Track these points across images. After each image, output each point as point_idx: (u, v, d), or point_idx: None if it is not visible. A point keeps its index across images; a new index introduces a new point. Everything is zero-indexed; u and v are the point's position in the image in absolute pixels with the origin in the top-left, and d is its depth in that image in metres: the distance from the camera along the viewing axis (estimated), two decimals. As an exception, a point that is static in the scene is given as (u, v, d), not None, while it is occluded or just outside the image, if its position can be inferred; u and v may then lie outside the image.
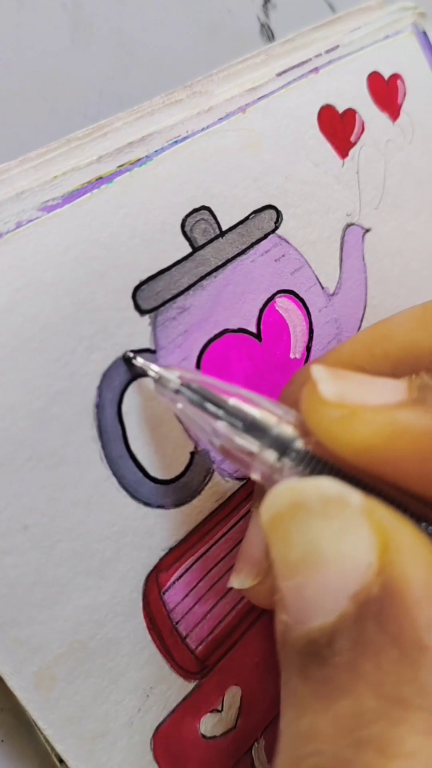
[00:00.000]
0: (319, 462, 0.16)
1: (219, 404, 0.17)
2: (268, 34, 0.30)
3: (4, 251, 0.17)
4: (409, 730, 0.12)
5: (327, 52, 0.23)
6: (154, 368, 0.18)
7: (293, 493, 0.15)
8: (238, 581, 0.19)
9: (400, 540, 0.14)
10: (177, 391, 0.18)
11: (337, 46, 0.23)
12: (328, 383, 0.16)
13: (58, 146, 0.18)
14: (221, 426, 0.17)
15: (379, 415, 0.15)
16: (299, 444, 0.16)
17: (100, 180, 0.18)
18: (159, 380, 0.18)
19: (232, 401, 0.17)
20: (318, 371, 0.16)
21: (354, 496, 0.15)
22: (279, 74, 0.22)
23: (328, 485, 0.15)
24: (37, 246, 0.17)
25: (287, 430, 0.17)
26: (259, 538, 0.19)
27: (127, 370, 0.18)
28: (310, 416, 0.16)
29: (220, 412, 0.17)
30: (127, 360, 0.19)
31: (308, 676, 0.14)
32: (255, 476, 0.17)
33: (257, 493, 0.20)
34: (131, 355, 0.18)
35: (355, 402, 0.16)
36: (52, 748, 0.19)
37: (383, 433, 0.15)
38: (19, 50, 0.26)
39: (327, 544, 0.14)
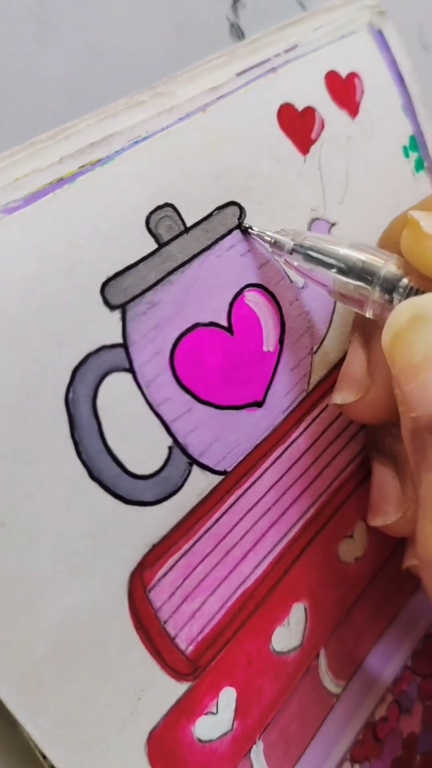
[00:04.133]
0: (423, 293, 0.19)
1: (331, 255, 0.20)
2: (238, 33, 0.30)
3: (-32, 253, 0.17)
4: None
5: (285, 51, 0.23)
6: (268, 234, 0.21)
7: (412, 308, 0.18)
8: (340, 398, 0.22)
9: None
10: (292, 252, 0.21)
11: (296, 46, 0.24)
12: (428, 220, 0.19)
13: (22, 149, 0.19)
14: (335, 274, 0.20)
15: None
16: (405, 281, 0.19)
17: (62, 181, 0.18)
18: (275, 244, 0.21)
19: (343, 251, 0.20)
20: (416, 213, 0.19)
21: None
22: (239, 74, 0.22)
23: None
24: (0, 246, 0.17)
25: (393, 269, 0.19)
26: (360, 360, 0.22)
27: (100, 364, 0.19)
28: (412, 250, 0.19)
29: (333, 261, 0.20)
30: (243, 230, 0.21)
31: None
32: (368, 314, 0.20)
33: (357, 324, 0.23)
34: (247, 225, 0.21)
35: None
36: (36, 745, 0.18)
37: None
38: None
39: None
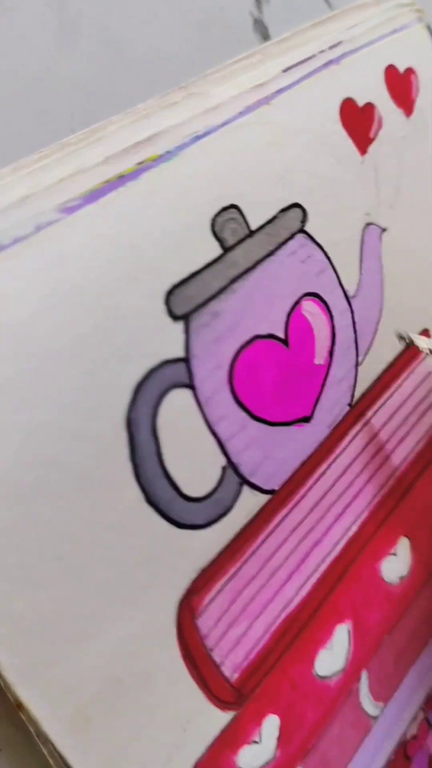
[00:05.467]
0: None
1: None
2: (261, 29, 0.29)
3: (26, 256, 0.16)
4: None
5: (330, 48, 0.22)
6: (422, 344, 0.23)
7: None
8: None
9: None
10: None
11: (340, 42, 0.22)
12: None
13: (52, 152, 0.17)
14: None
15: None
16: None
17: (123, 178, 0.17)
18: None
19: None
20: None
21: None
22: (285, 70, 0.21)
23: None
24: (60, 250, 0.16)
25: None
26: None
27: (162, 381, 0.17)
28: None
29: None
30: (400, 337, 0.23)
31: None
32: None
33: None
34: (405, 334, 0.23)
35: None
36: (56, 757, 0.17)
37: None
38: (4, 51, 0.25)
39: None
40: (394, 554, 0.24)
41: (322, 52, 0.22)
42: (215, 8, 0.29)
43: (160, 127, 0.19)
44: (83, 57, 0.26)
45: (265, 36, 0.29)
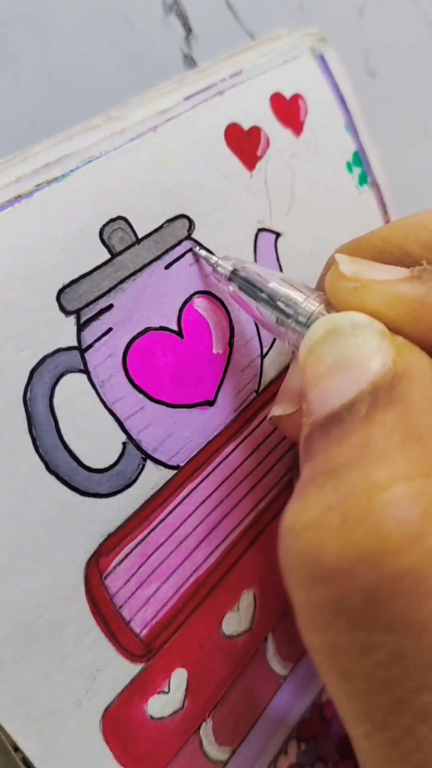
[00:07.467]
0: None
1: (261, 287, 0.22)
2: (190, 64, 0.32)
3: None
4: (401, 455, 0.16)
5: (231, 77, 0.25)
6: (213, 258, 0.23)
7: (327, 323, 0.19)
8: (280, 409, 0.23)
9: (410, 349, 0.18)
10: (229, 278, 0.22)
11: (241, 71, 0.25)
12: (347, 264, 0.20)
13: (-16, 171, 0.20)
14: (262, 305, 0.22)
15: (382, 286, 0.19)
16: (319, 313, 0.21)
17: (20, 197, 0.20)
18: (216, 268, 0.23)
19: (271, 284, 0.22)
20: (340, 256, 0.21)
21: (377, 323, 0.18)
22: (186, 98, 0.24)
23: (357, 315, 0.19)
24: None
25: (313, 305, 0.21)
26: (298, 375, 0.22)
27: (56, 366, 0.20)
28: (331, 288, 0.20)
29: (262, 294, 0.22)
30: (191, 251, 0.23)
31: (328, 435, 0.17)
32: (287, 344, 0.22)
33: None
34: (196, 247, 0.23)
35: (366, 277, 0.20)
36: (7, 736, 0.20)
37: (384, 300, 0.19)
38: None
39: (352, 351, 0.18)
40: (300, 527, 0.26)
41: (222, 80, 0.25)
42: (148, 44, 0.32)
43: (74, 148, 0.22)
44: (25, 89, 0.28)
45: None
